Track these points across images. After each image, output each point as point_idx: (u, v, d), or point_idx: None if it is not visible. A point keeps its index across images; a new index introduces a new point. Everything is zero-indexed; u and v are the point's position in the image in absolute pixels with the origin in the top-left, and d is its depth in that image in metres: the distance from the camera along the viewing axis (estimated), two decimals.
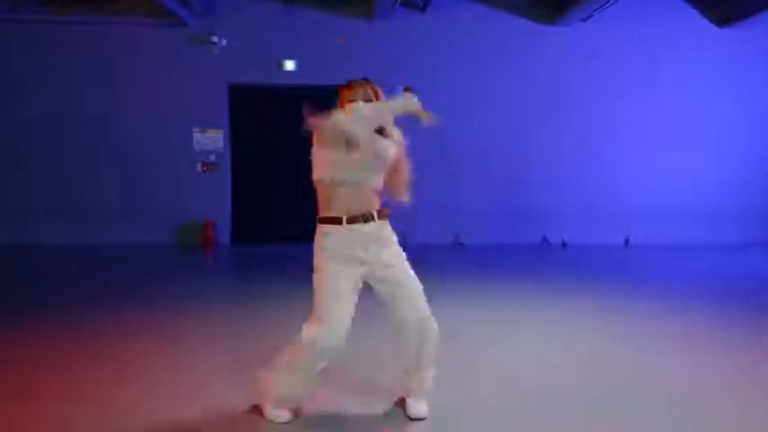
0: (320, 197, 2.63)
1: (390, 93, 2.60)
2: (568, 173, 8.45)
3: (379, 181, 2.64)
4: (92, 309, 4.74)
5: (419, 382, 2.71)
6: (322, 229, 2.60)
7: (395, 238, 2.69)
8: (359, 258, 2.56)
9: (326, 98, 10.24)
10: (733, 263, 7.21)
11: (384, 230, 2.64)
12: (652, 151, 8.50)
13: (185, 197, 8.11)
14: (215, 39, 7.89)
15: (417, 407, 2.71)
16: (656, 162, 8.51)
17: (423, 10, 8.04)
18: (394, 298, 2.62)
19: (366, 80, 2.67)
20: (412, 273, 2.67)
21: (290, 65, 8.04)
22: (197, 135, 8.12)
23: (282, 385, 2.62)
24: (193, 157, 8.15)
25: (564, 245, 8.32)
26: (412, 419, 2.69)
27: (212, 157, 8.18)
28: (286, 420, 2.66)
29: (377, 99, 2.63)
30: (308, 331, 2.52)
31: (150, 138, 8.06)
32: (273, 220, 8.47)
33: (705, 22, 8.39)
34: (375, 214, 2.59)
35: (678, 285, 5.91)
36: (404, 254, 2.69)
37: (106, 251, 7.53)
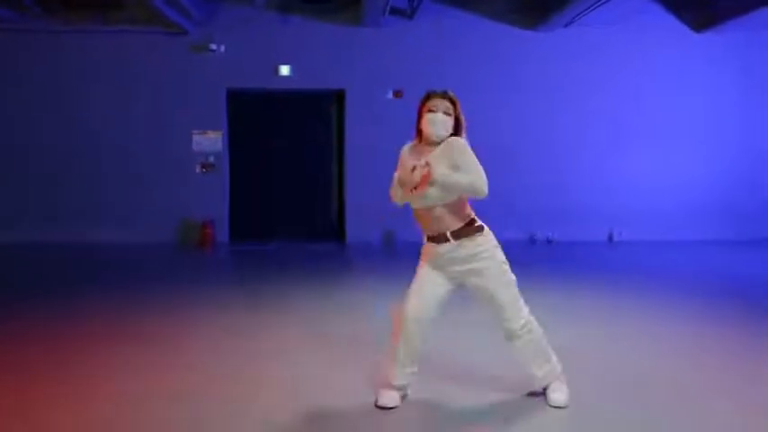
0: None
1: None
2: (554, 173, 8.75)
3: (439, 206, 2.72)
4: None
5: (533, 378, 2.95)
6: (423, 241, 2.89)
7: (481, 250, 2.76)
8: (447, 269, 2.82)
9: (319, 101, 10.56)
10: (717, 259, 7.39)
11: (461, 250, 2.74)
12: (633, 152, 8.81)
13: (185, 197, 8.41)
14: (213, 46, 8.24)
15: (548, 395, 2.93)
16: (639, 162, 8.82)
17: (411, 17, 8.40)
18: (484, 304, 2.88)
19: (445, 92, 2.81)
20: (503, 281, 2.80)
21: (285, 70, 8.40)
22: (196, 137, 8.42)
23: (394, 357, 2.87)
24: (193, 158, 8.46)
25: (549, 241, 8.61)
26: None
27: (211, 159, 8.47)
28: (395, 405, 2.84)
29: (455, 111, 2.81)
30: (400, 307, 2.88)
31: (151, 140, 8.37)
32: (269, 220, 8.78)
33: (684, 27, 8.75)
34: (449, 234, 2.74)
35: (667, 281, 5.95)
36: (497, 262, 2.80)
37: (108, 250, 7.80)
